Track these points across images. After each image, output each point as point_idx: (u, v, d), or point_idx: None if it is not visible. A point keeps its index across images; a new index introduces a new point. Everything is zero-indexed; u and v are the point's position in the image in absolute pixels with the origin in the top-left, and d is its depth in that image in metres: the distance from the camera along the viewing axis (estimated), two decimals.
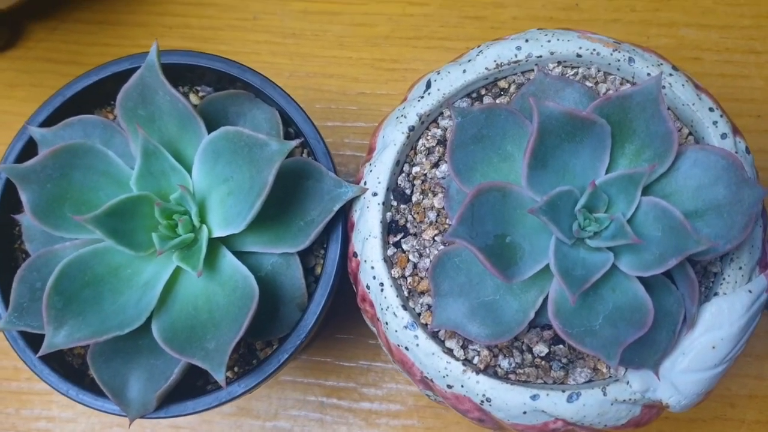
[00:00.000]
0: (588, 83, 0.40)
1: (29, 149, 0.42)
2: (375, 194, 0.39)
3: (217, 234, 0.38)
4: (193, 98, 0.45)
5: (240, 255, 0.39)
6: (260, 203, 0.36)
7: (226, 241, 0.39)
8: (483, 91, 0.42)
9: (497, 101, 0.41)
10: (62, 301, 0.36)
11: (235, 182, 0.38)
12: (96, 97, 0.44)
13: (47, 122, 0.42)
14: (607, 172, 0.35)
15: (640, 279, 0.34)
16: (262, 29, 0.60)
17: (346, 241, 0.40)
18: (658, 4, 0.59)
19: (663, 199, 0.34)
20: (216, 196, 0.38)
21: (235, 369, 0.41)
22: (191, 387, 0.40)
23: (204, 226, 0.38)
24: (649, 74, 0.39)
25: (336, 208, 0.39)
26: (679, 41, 0.58)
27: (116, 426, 0.51)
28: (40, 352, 0.35)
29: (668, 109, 0.39)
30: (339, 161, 0.57)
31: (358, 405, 0.51)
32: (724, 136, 0.38)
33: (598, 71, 0.40)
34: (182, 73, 0.45)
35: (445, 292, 0.36)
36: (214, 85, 0.45)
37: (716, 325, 0.36)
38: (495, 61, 0.41)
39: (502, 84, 0.41)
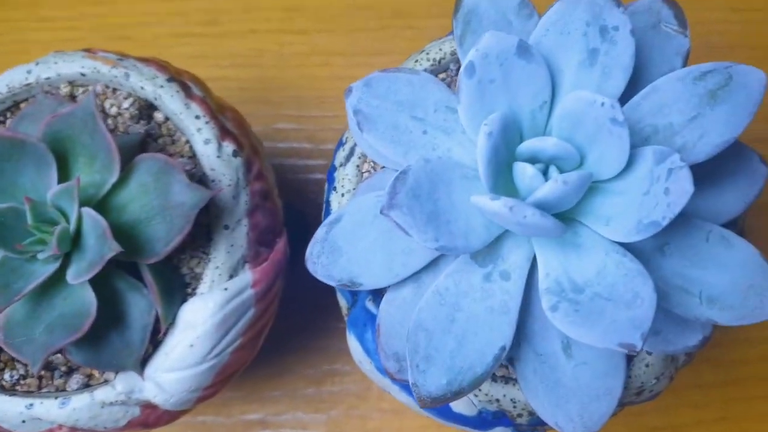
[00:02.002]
0: (98, 100, 0.42)
1: None
2: None
3: None
4: None
5: None
6: None
7: None
8: (8, 114, 0.43)
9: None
10: None
11: None
12: None
13: None
14: None
15: (93, 286, 0.35)
16: None
17: None
18: (292, 14, 0.61)
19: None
20: None
21: None
22: None
23: None
24: (142, 87, 0.41)
25: None
26: (311, 48, 0.60)
27: None
28: None
29: (167, 119, 0.41)
30: None
31: None
32: (207, 141, 0.40)
33: (107, 87, 0.42)
34: None
35: None
36: None
37: (192, 324, 0.38)
38: (8, 85, 0.42)
39: (23, 106, 0.42)
